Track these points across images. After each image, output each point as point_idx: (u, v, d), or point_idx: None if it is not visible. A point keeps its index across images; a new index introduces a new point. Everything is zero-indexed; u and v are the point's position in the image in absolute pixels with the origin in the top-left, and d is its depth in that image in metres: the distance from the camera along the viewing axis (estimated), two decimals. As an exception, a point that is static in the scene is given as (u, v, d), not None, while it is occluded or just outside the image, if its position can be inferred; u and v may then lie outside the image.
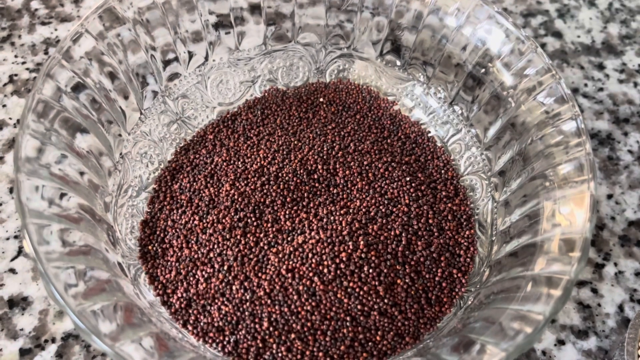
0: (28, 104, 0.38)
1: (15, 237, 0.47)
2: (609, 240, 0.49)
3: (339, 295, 0.41)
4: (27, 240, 0.34)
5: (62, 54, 0.41)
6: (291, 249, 0.43)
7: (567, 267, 0.35)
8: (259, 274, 0.42)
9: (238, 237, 0.44)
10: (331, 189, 0.47)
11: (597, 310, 0.46)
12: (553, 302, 0.33)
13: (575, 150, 0.39)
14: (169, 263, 0.43)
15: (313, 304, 0.41)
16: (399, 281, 0.42)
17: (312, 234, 0.43)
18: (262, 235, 0.44)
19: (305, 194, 0.46)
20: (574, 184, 0.38)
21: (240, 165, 0.47)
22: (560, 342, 0.44)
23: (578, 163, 0.39)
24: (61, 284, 0.33)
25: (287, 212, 0.45)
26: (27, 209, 0.35)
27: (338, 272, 0.41)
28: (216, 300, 0.41)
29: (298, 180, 0.46)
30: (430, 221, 0.45)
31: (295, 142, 0.49)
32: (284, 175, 0.47)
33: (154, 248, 0.44)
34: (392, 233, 0.44)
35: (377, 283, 0.42)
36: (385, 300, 0.41)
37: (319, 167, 0.47)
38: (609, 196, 0.52)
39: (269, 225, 0.44)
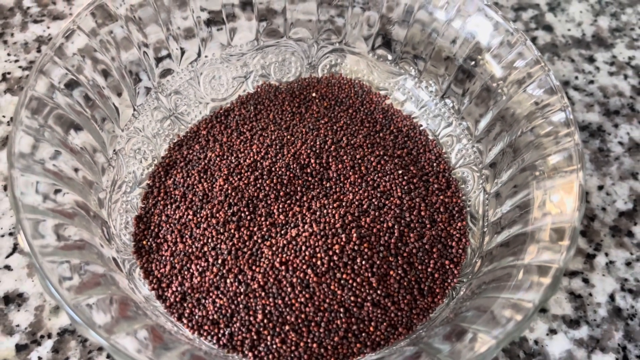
0: (21, 100, 0.39)
1: (10, 234, 0.48)
2: (600, 231, 0.50)
3: (332, 287, 0.41)
4: (22, 235, 0.34)
5: (54, 50, 0.42)
6: (284, 242, 0.43)
7: (557, 255, 0.35)
8: (253, 267, 0.42)
9: (232, 231, 0.44)
10: (324, 182, 0.47)
11: (588, 300, 0.46)
12: (542, 290, 0.34)
13: (565, 141, 0.40)
14: (163, 257, 0.44)
15: (307, 295, 0.41)
16: (391, 272, 0.43)
17: (306, 227, 0.44)
18: (255, 228, 0.44)
19: (299, 188, 0.46)
20: (563, 174, 0.39)
21: (233, 160, 0.48)
22: (552, 332, 0.45)
23: (567, 153, 0.39)
24: (56, 278, 0.34)
25: (281, 205, 0.45)
26: (21, 203, 0.35)
27: (331, 264, 0.42)
28: (211, 294, 0.42)
29: (291, 175, 0.47)
30: (423, 213, 0.46)
31: (288, 137, 0.49)
32: (277, 169, 0.47)
33: (149, 243, 0.44)
34: (385, 225, 0.44)
35: (370, 275, 0.42)
36: (378, 292, 0.42)
37: (312, 161, 0.48)
38: (600, 187, 0.52)
39: (263, 219, 0.45)
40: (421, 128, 0.51)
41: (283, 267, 0.42)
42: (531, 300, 0.34)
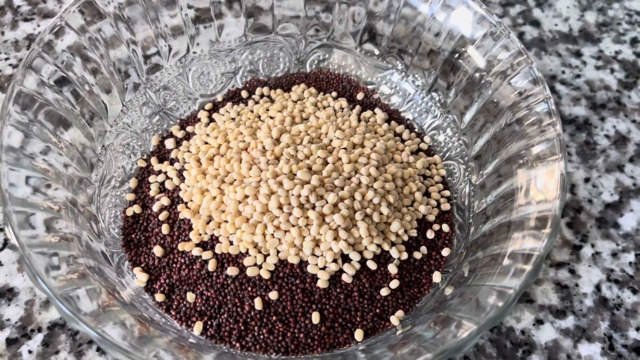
0: (8, 94, 0.39)
1: (0, 229, 0.48)
2: (586, 223, 0.50)
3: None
4: (9, 227, 0.35)
5: (41, 46, 0.42)
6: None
7: (539, 243, 0.36)
8: (239, 259, 0.43)
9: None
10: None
11: (574, 290, 0.47)
12: (524, 276, 0.34)
13: (547, 132, 0.40)
14: (151, 251, 0.44)
15: (293, 287, 0.41)
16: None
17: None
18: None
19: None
20: (545, 164, 0.39)
21: (221, 155, 0.48)
22: (539, 322, 0.45)
23: (549, 143, 0.40)
24: (43, 268, 0.34)
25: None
26: (8, 195, 0.36)
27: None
28: (198, 286, 0.42)
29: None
30: (409, 205, 0.46)
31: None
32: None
33: (137, 236, 0.45)
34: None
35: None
36: (365, 283, 0.42)
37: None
38: (586, 180, 0.53)
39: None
40: (408, 122, 0.52)
41: (270, 259, 0.42)
42: (512, 287, 0.34)
